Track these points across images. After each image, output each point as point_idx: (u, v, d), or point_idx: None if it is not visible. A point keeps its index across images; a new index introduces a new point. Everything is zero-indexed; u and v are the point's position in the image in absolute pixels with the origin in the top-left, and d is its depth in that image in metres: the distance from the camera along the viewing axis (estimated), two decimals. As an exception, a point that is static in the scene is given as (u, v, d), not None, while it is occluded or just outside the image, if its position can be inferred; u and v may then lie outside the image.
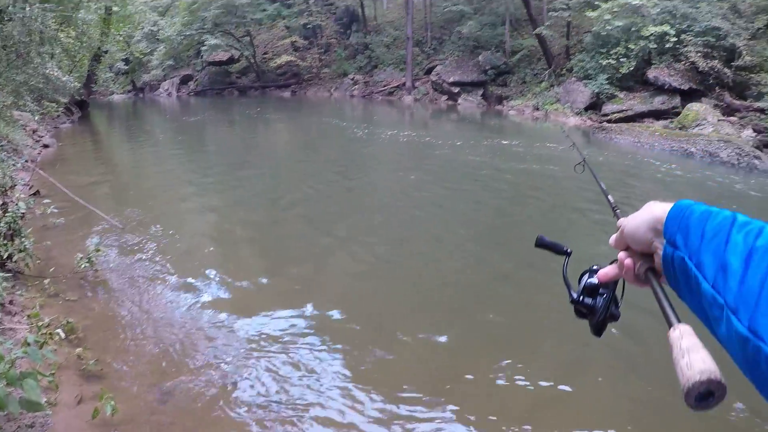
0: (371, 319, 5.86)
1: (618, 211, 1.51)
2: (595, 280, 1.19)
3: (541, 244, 1.51)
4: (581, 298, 1.22)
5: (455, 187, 12.33)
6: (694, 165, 16.24)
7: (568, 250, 1.46)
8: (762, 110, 19.80)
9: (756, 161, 16.20)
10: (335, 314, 5.84)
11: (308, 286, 6.73)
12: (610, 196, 1.79)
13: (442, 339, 5.48)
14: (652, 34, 22.75)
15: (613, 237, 1.13)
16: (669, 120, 21.53)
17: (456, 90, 31.79)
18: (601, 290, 1.20)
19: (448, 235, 8.98)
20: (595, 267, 1.22)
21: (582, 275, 1.26)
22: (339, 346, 5.21)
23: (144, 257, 7.50)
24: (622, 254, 1.08)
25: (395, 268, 7.57)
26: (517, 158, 15.52)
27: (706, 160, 16.75)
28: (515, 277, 7.28)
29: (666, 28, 22.58)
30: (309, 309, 5.92)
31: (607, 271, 1.15)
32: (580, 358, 5.35)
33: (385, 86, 36.36)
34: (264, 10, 40.38)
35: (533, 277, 7.06)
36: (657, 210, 0.97)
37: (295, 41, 40.45)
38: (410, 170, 14.20)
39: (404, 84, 34.91)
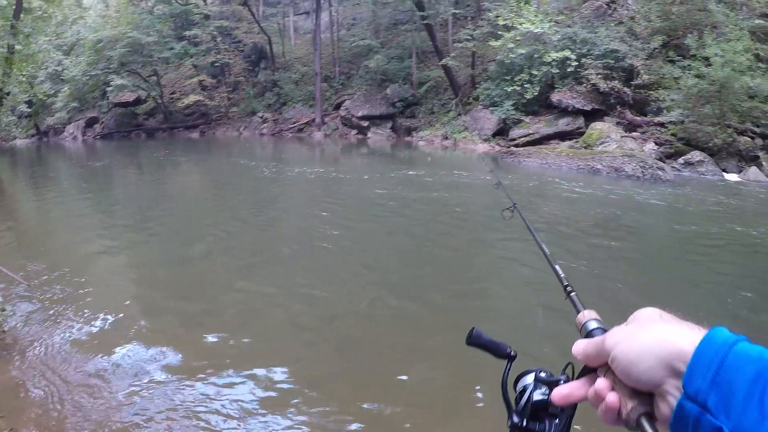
0: (278, 362, 5.45)
1: (574, 294, 1.13)
2: (544, 396, 0.91)
3: (475, 343, 1.09)
4: (524, 422, 0.92)
5: (362, 223, 11.57)
6: (601, 181, 16.24)
7: (512, 353, 1.08)
8: (662, 124, 20.30)
9: (660, 172, 16.40)
10: (247, 358, 5.48)
11: (222, 334, 6.11)
12: (557, 267, 1.36)
13: (337, 378, 5.20)
14: (554, 60, 23.17)
15: (582, 347, 0.81)
16: (574, 140, 21.69)
17: (365, 124, 31.39)
18: (551, 408, 0.91)
19: (353, 273, 8.21)
20: (542, 374, 0.95)
21: (520, 379, 0.97)
22: (246, 393, 4.85)
23: (54, 313, 6.60)
24: (602, 384, 0.75)
25: (300, 310, 6.93)
26: (427, 188, 14.93)
27: (613, 176, 16.86)
28: (418, 316, 6.65)
29: (567, 53, 23.07)
30: (227, 357, 5.52)
31: (569, 393, 0.82)
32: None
33: (294, 123, 35.58)
34: (171, 48, 38.88)
35: (437, 316, 6.60)
36: (677, 340, 0.68)
37: (203, 80, 39.18)
38: (318, 207, 13.38)
39: (314, 120, 34.27)
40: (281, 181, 17.44)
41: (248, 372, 5.13)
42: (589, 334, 0.87)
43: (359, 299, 7.11)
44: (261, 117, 37.22)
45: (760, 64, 19.30)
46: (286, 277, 7.98)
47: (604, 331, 0.86)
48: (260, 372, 5.14)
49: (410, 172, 18.09)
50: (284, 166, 21.17)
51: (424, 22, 28.80)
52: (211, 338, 5.91)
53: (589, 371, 0.81)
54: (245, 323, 6.46)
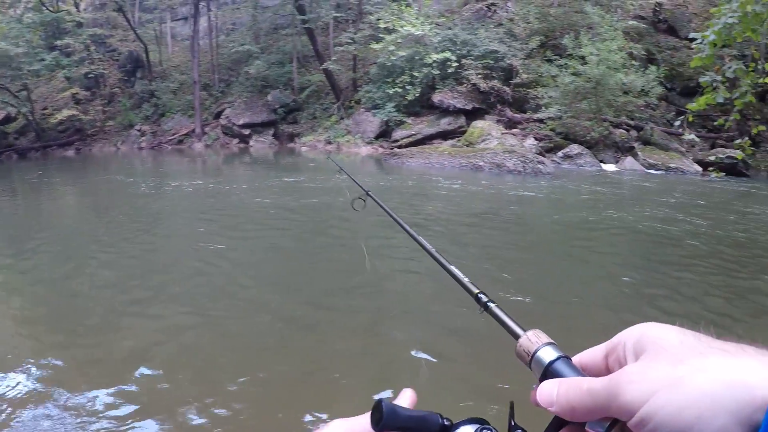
0: (134, 387, 4.74)
1: (494, 305, 0.80)
2: None
3: (391, 426, 0.63)
4: None
5: (244, 234, 10.41)
6: (483, 177, 15.97)
7: (446, 422, 0.65)
8: (541, 120, 20.53)
9: (540, 166, 16.38)
10: (133, 386, 4.74)
11: (104, 361, 5.38)
12: (457, 271, 1.00)
13: (197, 407, 4.41)
14: (435, 61, 22.91)
15: (564, 394, 0.55)
16: (456, 139, 21.43)
17: (247, 132, 29.99)
18: None
19: (227, 294, 7.04)
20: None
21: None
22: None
23: None
24: None
25: (181, 331, 6.00)
26: (310, 194, 13.99)
27: (495, 172, 16.70)
28: (307, 321, 5.93)
29: (448, 54, 22.86)
30: (111, 385, 4.75)
31: None
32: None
33: (174, 135, 33.50)
34: (42, 59, 35.42)
35: (328, 318, 5.93)
36: (754, 380, 0.44)
37: (76, 93, 36.10)
38: (197, 222, 12.07)
39: (194, 131, 32.40)
40: (159, 197, 15.92)
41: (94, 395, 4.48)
42: (549, 370, 0.59)
43: (232, 322, 6.08)
44: (139, 130, 34.83)
45: (633, 62, 19.96)
46: (154, 302, 6.80)
47: (568, 359, 0.60)
48: (104, 398, 4.48)
49: (291, 179, 17.02)
50: (163, 180, 19.56)
51: (305, 26, 27.83)
52: (75, 366, 5.18)
53: (561, 424, 0.57)
54: (112, 350, 5.58)
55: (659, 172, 16.96)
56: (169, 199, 15.77)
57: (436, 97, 23.08)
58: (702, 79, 6.12)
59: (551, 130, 19.94)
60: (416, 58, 23.61)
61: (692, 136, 7.79)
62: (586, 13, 22.28)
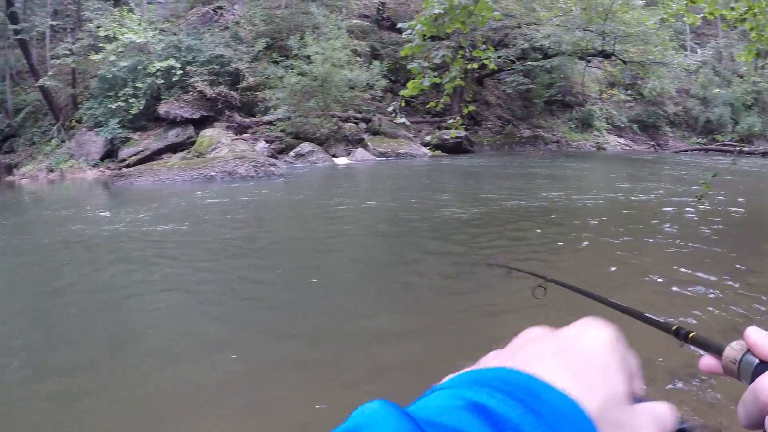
0: None
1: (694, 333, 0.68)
2: None
3: None
4: None
5: None
6: (215, 188, 14.04)
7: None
8: (270, 123, 19.42)
9: (272, 168, 15.36)
10: None
11: None
12: (651, 316, 0.85)
13: None
14: (158, 70, 20.14)
15: None
16: (186, 151, 19.02)
17: (-44, 166, 24.74)
18: None
19: None
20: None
21: None
22: None
23: None
24: None
25: None
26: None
27: (227, 180, 15.19)
28: None
29: (172, 62, 20.20)
30: None
31: None
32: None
33: None
34: None
35: None
36: None
37: None
38: None
39: None
40: None
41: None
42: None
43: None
44: None
45: (358, 58, 19.68)
46: None
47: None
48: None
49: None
50: None
51: (18, 37, 23.06)
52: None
53: None
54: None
55: (390, 159, 16.90)
56: None
57: (162, 108, 20.26)
58: (410, 66, 6.10)
59: (282, 131, 18.93)
60: (139, 67, 20.57)
61: (403, 120, 7.34)
62: (312, 14, 21.34)
